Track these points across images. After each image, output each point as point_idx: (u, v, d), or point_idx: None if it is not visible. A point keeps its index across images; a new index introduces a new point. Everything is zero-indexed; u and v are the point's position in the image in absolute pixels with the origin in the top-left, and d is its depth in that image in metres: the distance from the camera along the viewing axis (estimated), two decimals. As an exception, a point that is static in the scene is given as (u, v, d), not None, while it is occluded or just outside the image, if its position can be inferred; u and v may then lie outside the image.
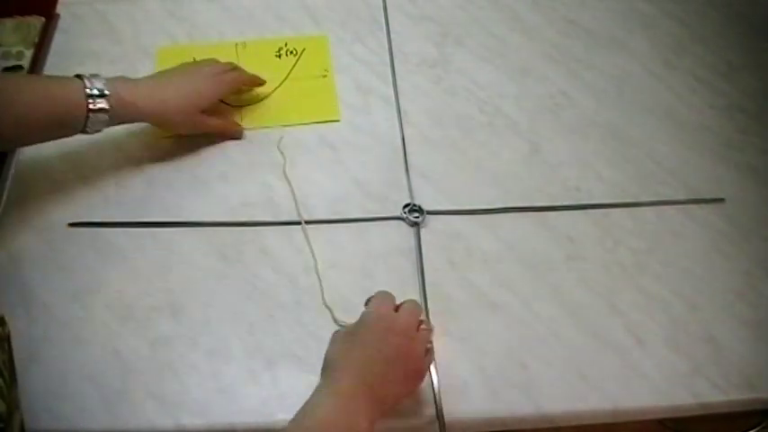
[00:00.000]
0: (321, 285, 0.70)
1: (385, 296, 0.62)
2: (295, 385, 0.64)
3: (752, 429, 0.71)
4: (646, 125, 0.86)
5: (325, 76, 0.87)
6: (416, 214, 0.75)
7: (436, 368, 0.65)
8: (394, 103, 0.85)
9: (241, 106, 0.84)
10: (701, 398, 0.65)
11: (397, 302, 0.62)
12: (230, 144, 0.80)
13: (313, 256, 0.72)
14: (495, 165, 0.81)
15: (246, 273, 0.71)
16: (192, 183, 0.77)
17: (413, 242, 0.74)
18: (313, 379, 0.64)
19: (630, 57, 0.93)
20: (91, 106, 0.67)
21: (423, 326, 0.61)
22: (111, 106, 0.68)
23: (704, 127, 0.86)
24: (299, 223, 0.74)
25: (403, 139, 0.82)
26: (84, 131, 0.69)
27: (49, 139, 0.70)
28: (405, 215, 0.75)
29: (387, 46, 0.91)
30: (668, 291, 0.72)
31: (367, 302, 0.62)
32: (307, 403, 0.55)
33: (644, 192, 0.80)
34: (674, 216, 0.78)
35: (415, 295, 0.70)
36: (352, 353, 0.57)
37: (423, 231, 0.75)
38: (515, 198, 0.78)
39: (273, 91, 0.85)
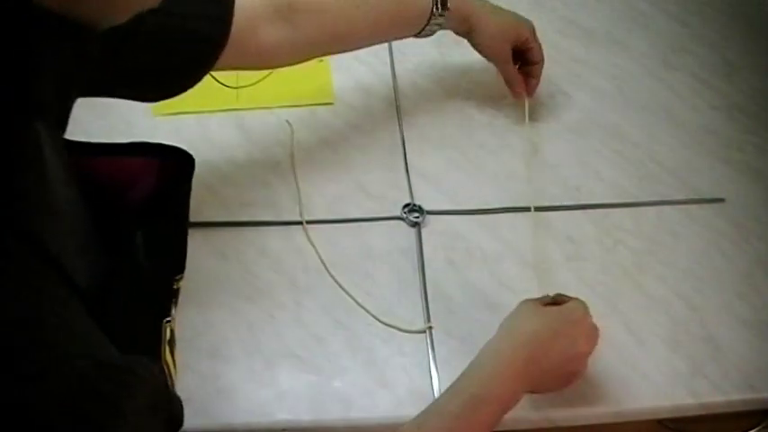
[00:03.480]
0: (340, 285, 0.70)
1: (586, 309, 0.62)
2: (295, 385, 0.64)
3: (752, 429, 0.71)
4: (646, 125, 0.86)
5: (321, 60, 0.88)
6: (416, 214, 0.75)
7: (436, 368, 0.65)
8: (394, 103, 0.85)
9: (238, 87, 0.85)
10: (701, 398, 0.65)
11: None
12: (230, 144, 0.80)
13: (320, 258, 0.72)
14: (495, 165, 0.81)
15: (246, 273, 0.71)
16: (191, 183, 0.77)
17: (413, 242, 0.74)
18: (313, 379, 0.64)
19: (630, 57, 0.93)
20: (435, 11, 0.75)
21: None
22: (448, 14, 0.76)
23: (704, 127, 0.86)
24: (299, 223, 0.74)
25: (403, 139, 0.82)
26: (419, 35, 0.78)
27: (389, 39, 0.81)
28: (405, 215, 0.75)
29: (387, 46, 0.91)
30: (668, 291, 0.72)
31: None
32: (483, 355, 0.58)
33: (644, 192, 0.80)
34: (674, 216, 0.78)
35: (416, 295, 0.70)
36: (540, 338, 0.58)
37: (423, 231, 0.75)
38: (515, 198, 0.78)
39: (270, 73, 0.87)
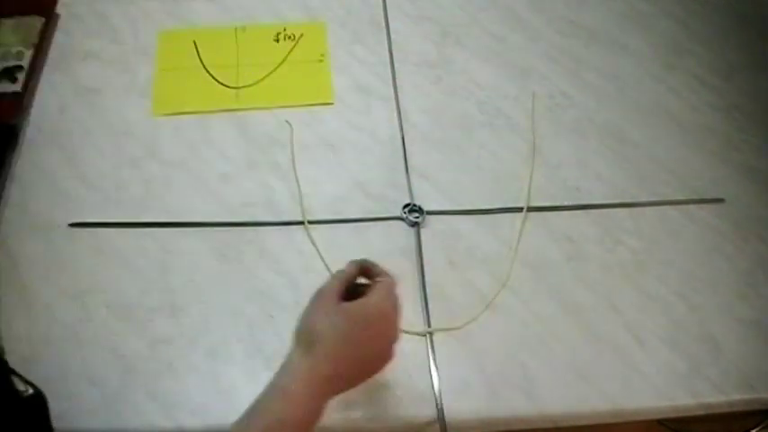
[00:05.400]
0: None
1: (391, 289, 0.58)
2: (295, 385, 0.64)
3: (752, 429, 0.71)
4: (646, 125, 0.86)
5: (321, 60, 0.88)
6: (416, 214, 0.75)
7: (436, 368, 0.65)
8: (394, 103, 0.85)
9: (238, 87, 0.85)
10: (701, 398, 0.65)
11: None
12: (230, 144, 0.80)
13: (321, 258, 0.72)
14: (495, 165, 0.81)
15: (246, 273, 0.71)
16: (192, 183, 0.77)
17: (413, 242, 0.74)
18: (313, 379, 0.64)
19: (630, 57, 0.93)
20: None
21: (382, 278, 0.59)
22: None
23: (704, 127, 0.86)
24: (299, 223, 0.74)
25: (403, 139, 0.82)
26: None
27: None
28: (405, 215, 0.75)
29: (387, 46, 0.91)
30: (668, 291, 0.72)
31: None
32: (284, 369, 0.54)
33: (644, 192, 0.80)
34: (674, 216, 0.78)
35: (416, 295, 0.70)
36: (343, 340, 0.54)
37: (423, 231, 0.75)
38: (515, 198, 0.78)
39: (270, 73, 0.87)
